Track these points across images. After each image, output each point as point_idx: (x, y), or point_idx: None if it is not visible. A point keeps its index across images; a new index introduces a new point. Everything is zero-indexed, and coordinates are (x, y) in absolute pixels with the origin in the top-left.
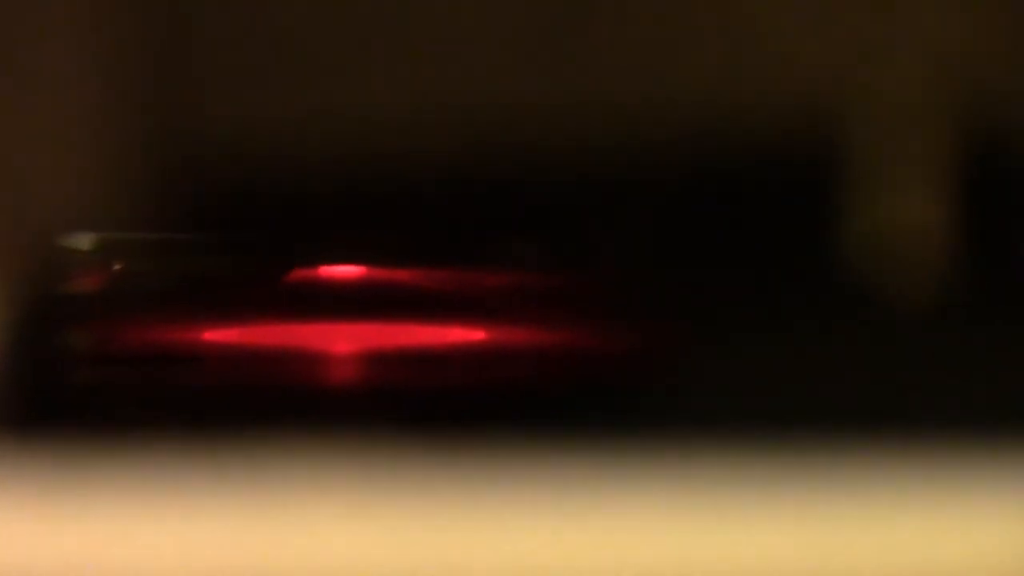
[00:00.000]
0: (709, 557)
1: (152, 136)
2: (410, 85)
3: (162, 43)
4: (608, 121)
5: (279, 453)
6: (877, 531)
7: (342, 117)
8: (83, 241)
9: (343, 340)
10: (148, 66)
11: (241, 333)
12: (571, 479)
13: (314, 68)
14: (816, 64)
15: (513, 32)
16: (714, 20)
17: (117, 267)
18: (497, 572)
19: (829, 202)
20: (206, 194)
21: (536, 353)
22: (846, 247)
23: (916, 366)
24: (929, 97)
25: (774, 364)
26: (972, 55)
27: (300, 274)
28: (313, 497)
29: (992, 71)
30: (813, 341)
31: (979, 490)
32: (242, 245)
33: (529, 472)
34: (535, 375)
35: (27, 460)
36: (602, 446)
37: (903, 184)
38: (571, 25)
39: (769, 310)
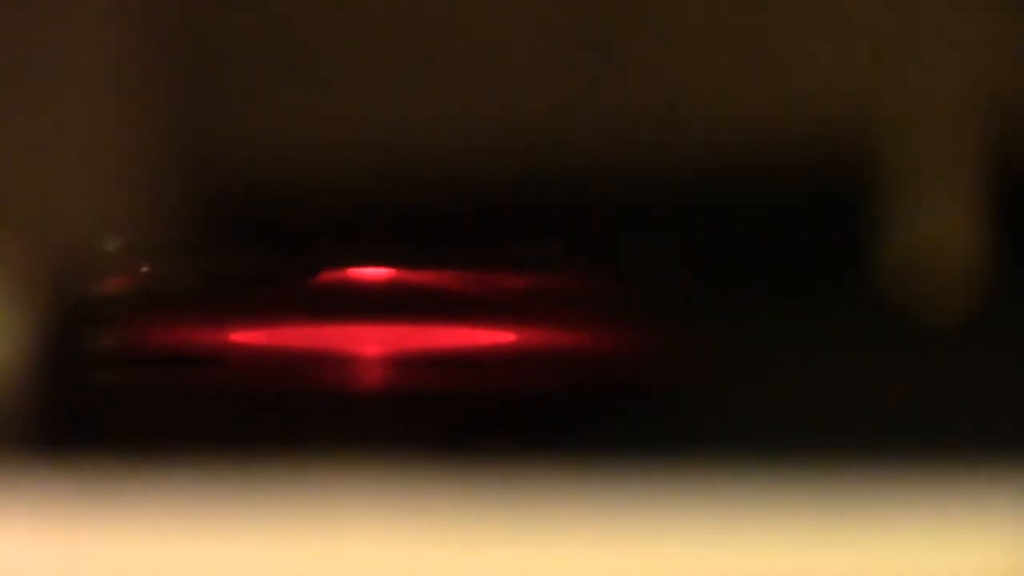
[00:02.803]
0: (726, 564)
1: (180, 139)
2: (438, 89)
3: (191, 47)
4: (635, 125)
5: (306, 456)
6: (907, 547)
7: (370, 120)
8: (112, 244)
9: (371, 342)
10: (177, 69)
11: (270, 335)
12: (597, 483)
13: (343, 72)
14: (846, 75)
15: (540, 41)
16: (744, 31)
17: (145, 270)
18: (528, 570)
19: (858, 213)
20: (234, 197)
21: (564, 355)
22: (875, 259)
23: (946, 381)
24: (961, 109)
25: (800, 374)
26: (1005, 67)
27: (328, 276)
28: (340, 501)
29: None
30: (840, 353)
31: (1009, 506)
32: (271, 247)
33: (556, 476)
34: (562, 377)
35: (54, 464)
36: (629, 450)
37: (934, 197)
38: (598, 33)
39: (796, 320)
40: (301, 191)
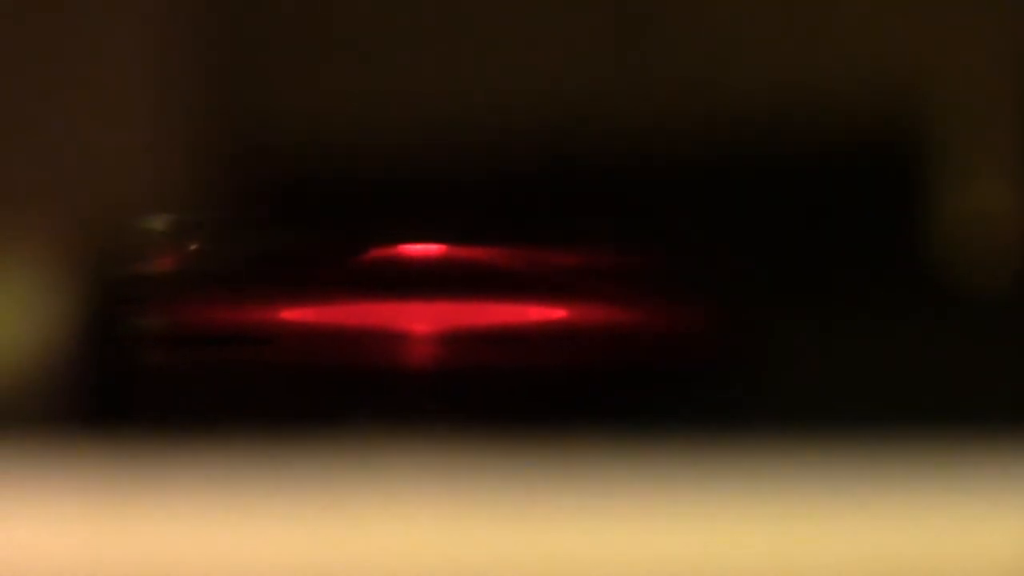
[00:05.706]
0: (778, 539)
1: (228, 116)
2: (489, 65)
3: (237, 22)
4: (687, 101)
5: (357, 434)
6: (935, 525)
7: (421, 95)
8: (159, 222)
9: (421, 319)
10: (224, 45)
11: (320, 313)
12: (647, 458)
13: (393, 46)
14: (895, 48)
15: (590, 14)
16: (796, 2)
17: (193, 248)
18: (578, 549)
19: (907, 188)
20: (283, 173)
21: (614, 332)
22: (927, 232)
23: (993, 355)
24: (1010, 82)
25: (849, 351)
26: None
27: (378, 253)
28: (391, 478)
29: None
30: (891, 328)
31: None
32: (320, 224)
33: (606, 452)
34: (613, 353)
35: (104, 444)
36: (679, 426)
37: (983, 170)
38: (646, 6)
39: (846, 295)
40: (351, 168)
